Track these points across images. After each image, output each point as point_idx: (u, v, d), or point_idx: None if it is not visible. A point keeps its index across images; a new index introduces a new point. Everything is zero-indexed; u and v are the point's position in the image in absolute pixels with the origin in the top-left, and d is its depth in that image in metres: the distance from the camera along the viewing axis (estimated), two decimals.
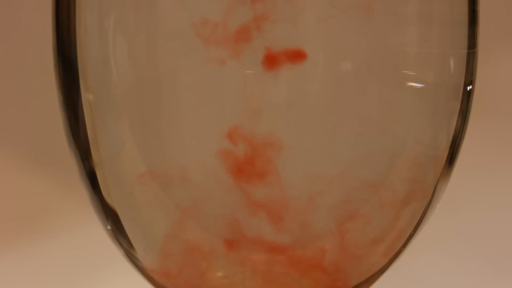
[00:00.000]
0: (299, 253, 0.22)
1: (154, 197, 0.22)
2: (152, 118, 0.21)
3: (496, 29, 0.38)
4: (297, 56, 0.19)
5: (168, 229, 0.22)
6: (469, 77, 0.22)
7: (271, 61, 0.19)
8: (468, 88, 0.22)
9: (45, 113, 0.37)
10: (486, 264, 0.39)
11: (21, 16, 0.38)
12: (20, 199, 0.39)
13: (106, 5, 0.21)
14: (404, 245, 0.23)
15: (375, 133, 0.21)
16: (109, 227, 0.23)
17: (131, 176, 0.22)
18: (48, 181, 0.39)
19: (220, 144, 0.20)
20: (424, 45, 0.21)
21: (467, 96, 0.22)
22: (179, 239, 0.22)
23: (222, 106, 0.21)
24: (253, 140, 0.20)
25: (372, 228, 0.22)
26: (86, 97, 0.22)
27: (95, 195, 0.22)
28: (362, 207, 0.21)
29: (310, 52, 0.20)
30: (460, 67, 0.22)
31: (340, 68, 0.20)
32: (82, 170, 0.22)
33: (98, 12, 0.21)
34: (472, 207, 0.39)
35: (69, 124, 0.22)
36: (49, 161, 0.39)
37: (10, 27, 0.38)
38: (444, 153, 0.22)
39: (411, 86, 0.21)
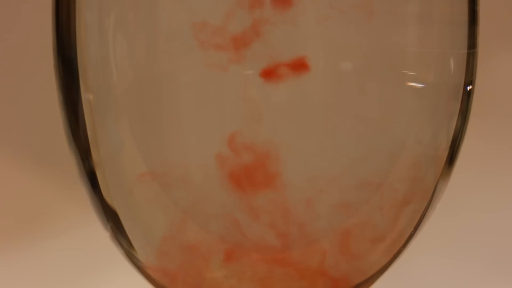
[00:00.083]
0: (299, 254, 0.22)
1: (154, 197, 0.22)
2: (152, 118, 0.21)
3: (496, 29, 0.38)
4: (299, 66, 0.19)
5: (168, 229, 0.22)
6: (469, 77, 0.22)
7: (273, 73, 0.19)
8: (468, 88, 0.22)
9: (45, 113, 0.37)
10: (486, 264, 0.39)
11: (21, 16, 0.38)
12: (20, 199, 0.39)
13: (106, 5, 0.21)
14: (404, 245, 0.23)
15: (375, 133, 0.21)
16: (109, 227, 0.23)
17: (131, 176, 0.22)
18: (48, 181, 0.39)
19: (220, 144, 0.20)
20: (424, 45, 0.21)
21: (467, 96, 0.22)
22: (179, 239, 0.22)
23: (222, 106, 0.21)
24: (253, 140, 0.20)
25: (372, 228, 0.22)
26: (86, 97, 0.22)
27: (95, 195, 0.22)
28: (362, 207, 0.21)
29: (310, 52, 0.20)
30: (460, 67, 0.22)
31: (340, 68, 0.20)
32: (82, 170, 0.22)
33: (98, 12, 0.21)
34: (472, 207, 0.39)
35: (69, 124, 0.22)
36: (49, 161, 0.39)
37: (10, 27, 0.38)
38: (444, 153, 0.22)
39: (411, 86, 0.21)
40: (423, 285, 0.39)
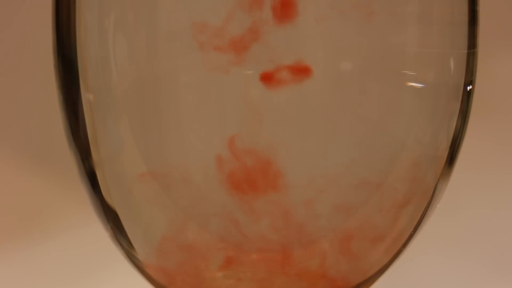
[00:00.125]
0: (299, 254, 0.22)
1: (154, 197, 0.22)
2: (152, 118, 0.21)
3: (496, 29, 0.38)
4: (301, 71, 0.19)
5: (168, 229, 0.22)
6: (469, 77, 0.22)
7: (273, 78, 0.19)
8: (468, 88, 0.22)
9: (45, 113, 0.37)
10: (486, 264, 0.39)
11: (21, 16, 0.38)
12: (20, 199, 0.39)
13: (106, 5, 0.21)
14: (404, 245, 0.23)
15: (375, 133, 0.21)
16: (109, 227, 0.23)
17: (131, 176, 0.22)
18: (48, 181, 0.39)
19: (220, 145, 0.20)
20: (424, 45, 0.21)
21: (467, 96, 0.22)
22: (179, 239, 0.22)
23: (222, 106, 0.21)
24: (253, 140, 0.20)
25: (372, 228, 0.22)
26: (86, 97, 0.22)
27: (95, 195, 0.22)
28: (362, 207, 0.21)
29: (310, 53, 0.20)
30: (460, 67, 0.22)
31: (340, 68, 0.20)
32: (82, 170, 0.22)
33: (98, 12, 0.21)
34: (472, 207, 0.39)
35: (69, 124, 0.22)
36: (49, 161, 0.39)
37: (10, 27, 0.38)
38: (444, 153, 0.22)
39: (411, 86, 0.21)
40: (423, 285, 0.39)
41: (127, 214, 0.22)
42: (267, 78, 0.20)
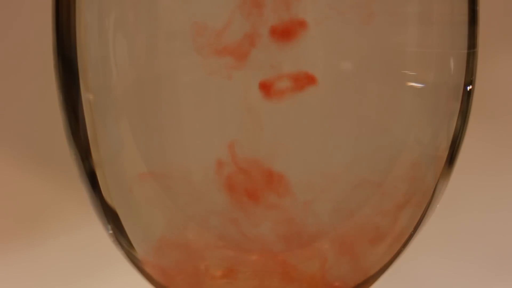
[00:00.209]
0: (299, 254, 0.22)
1: (154, 197, 0.22)
2: (152, 118, 0.21)
3: (496, 29, 0.38)
4: (307, 80, 0.20)
5: (168, 229, 0.22)
6: (469, 77, 0.22)
7: (274, 90, 0.19)
8: (468, 88, 0.22)
9: (45, 113, 0.37)
10: (486, 264, 0.39)
11: (21, 16, 0.38)
12: (20, 199, 0.39)
13: (106, 5, 0.21)
14: (404, 245, 0.23)
15: (375, 133, 0.21)
16: (109, 227, 0.23)
17: (131, 176, 0.22)
18: (48, 181, 0.39)
19: (220, 146, 0.20)
20: (424, 45, 0.21)
21: (467, 96, 0.22)
22: (178, 239, 0.22)
23: (222, 107, 0.21)
24: (254, 140, 0.20)
25: (372, 228, 0.22)
26: (86, 97, 0.22)
27: (95, 195, 0.22)
28: (362, 207, 0.21)
29: (310, 53, 0.20)
30: (460, 67, 0.22)
31: (340, 68, 0.20)
32: (82, 170, 0.22)
33: (98, 12, 0.21)
34: (472, 207, 0.39)
35: (69, 124, 0.22)
36: (49, 161, 0.39)
37: (10, 27, 0.38)
38: (444, 153, 0.22)
39: (411, 86, 0.21)
40: (423, 285, 0.39)
41: (127, 214, 0.22)
42: (266, 88, 0.20)
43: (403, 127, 0.21)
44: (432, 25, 0.21)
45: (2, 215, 0.38)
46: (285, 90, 0.20)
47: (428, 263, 0.39)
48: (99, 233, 0.24)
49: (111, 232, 0.23)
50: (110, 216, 0.22)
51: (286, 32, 0.19)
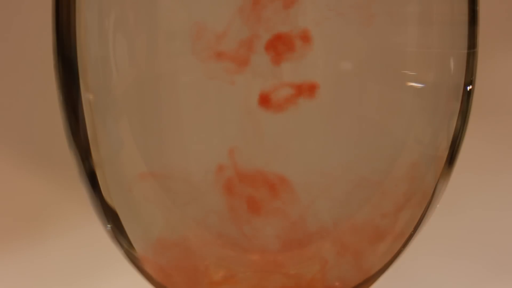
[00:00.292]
0: (299, 254, 0.22)
1: (153, 197, 0.22)
2: (152, 118, 0.21)
3: (496, 29, 0.38)
4: (310, 89, 0.20)
5: (167, 229, 0.22)
6: (469, 77, 0.22)
7: (272, 102, 0.19)
8: (468, 88, 0.22)
9: (45, 113, 0.37)
10: (486, 264, 0.39)
11: (21, 16, 0.38)
12: (20, 199, 0.39)
13: (106, 5, 0.21)
14: (404, 245, 0.23)
15: (375, 133, 0.21)
16: (109, 227, 0.23)
17: (131, 176, 0.22)
18: (48, 181, 0.39)
19: (220, 146, 0.20)
20: (424, 45, 0.21)
21: (467, 96, 0.22)
22: (178, 238, 0.22)
23: (223, 107, 0.21)
24: (254, 140, 0.20)
25: (372, 228, 0.22)
26: (86, 97, 0.22)
27: (95, 195, 0.22)
28: (362, 207, 0.21)
29: (310, 53, 0.20)
30: (460, 67, 0.22)
31: (340, 68, 0.20)
32: (82, 170, 0.22)
33: (98, 12, 0.21)
34: (472, 207, 0.39)
35: (69, 124, 0.22)
36: (49, 161, 0.39)
37: (10, 27, 0.38)
38: (444, 153, 0.22)
39: (411, 86, 0.21)
40: (423, 285, 0.39)
41: (127, 214, 0.22)
42: (266, 101, 0.20)
43: (403, 127, 0.21)
44: (432, 25, 0.21)
45: (2, 215, 0.38)
46: (284, 103, 0.20)
47: (428, 263, 0.39)
48: (99, 233, 0.24)
49: (111, 232, 0.23)
50: (110, 216, 0.22)
51: (286, 47, 0.19)
